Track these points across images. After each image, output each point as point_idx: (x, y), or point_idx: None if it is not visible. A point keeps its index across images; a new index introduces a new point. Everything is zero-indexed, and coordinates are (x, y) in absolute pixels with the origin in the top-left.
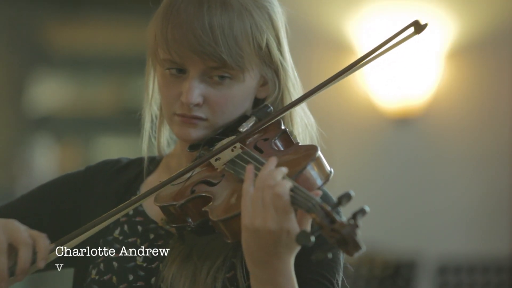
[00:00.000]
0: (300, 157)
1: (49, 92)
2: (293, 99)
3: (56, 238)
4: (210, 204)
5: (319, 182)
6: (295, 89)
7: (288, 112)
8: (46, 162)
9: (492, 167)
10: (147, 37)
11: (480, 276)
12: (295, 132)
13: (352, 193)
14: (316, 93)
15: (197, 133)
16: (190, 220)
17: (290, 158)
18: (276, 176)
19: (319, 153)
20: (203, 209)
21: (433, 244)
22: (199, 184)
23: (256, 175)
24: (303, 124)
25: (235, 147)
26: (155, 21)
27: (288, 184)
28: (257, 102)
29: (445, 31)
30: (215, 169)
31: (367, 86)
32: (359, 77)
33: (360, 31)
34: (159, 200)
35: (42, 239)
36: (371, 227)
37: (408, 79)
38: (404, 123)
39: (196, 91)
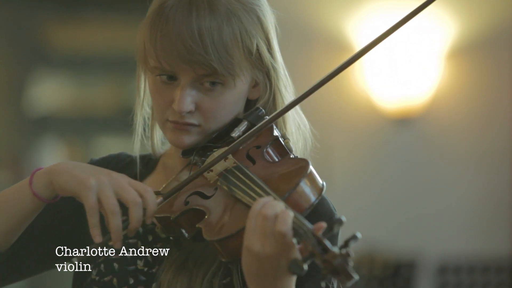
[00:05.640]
0: (291, 172)
1: (49, 92)
2: (285, 100)
3: (69, 233)
4: (204, 219)
5: (313, 199)
6: (287, 89)
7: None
8: (46, 162)
9: (492, 167)
10: (136, 43)
11: (480, 276)
12: (288, 132)
13: (344, 218)
14: (311, 93)
15: (190, 139)
16: (184, 231)
17: (282, 172)
18: (276, 206)
19: (311, 167)
20: (196, 226)
21: (433, 244)
22: (193, 196)
23: (251, 197)
24: (296, 125)
25: (227, 157)
26: (143, 28)
27: (291, 213)
28: (249, 103)
29: (445, 31)
30: (208, 180)
31: (367, 86)
32: (359, 77)
33: (360, 31)
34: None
35: (150, 195)
36: (371, 227)
37: (408, 79)
38: (404, 123)
39: (188, 99)
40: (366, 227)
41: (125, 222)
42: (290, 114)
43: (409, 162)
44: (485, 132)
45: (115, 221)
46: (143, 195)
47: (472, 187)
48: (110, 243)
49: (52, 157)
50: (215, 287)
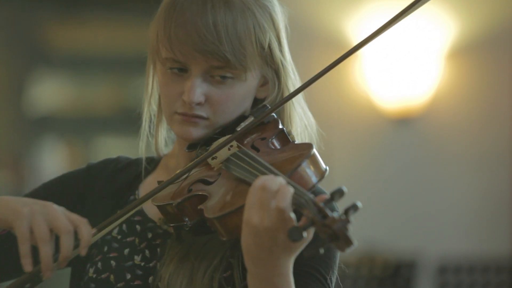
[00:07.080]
0: (295, 154)
1: (49, 92)
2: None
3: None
4: (206, 201)
5: (314, 179)
6: (295, 89)
7: (288, 112)
8: (46, 162)
9: (492, 167)
10: (149, 35)
11: (480, 276)
12: (294, 132)
13: (345, 188)
14: (312, 83)
15: (197, 132)
16: (187, 219)
17: (286, 156)
18: (277, 181)
19: (314, 150)
20: (198, 207)
21: (433, 244)
22: (196, 183)
23: (253, 174)
24: (302, 125)
25: (231, 145)
26: (157, 20)
27: (291, 190)
28: (257, 102)
29: (445, 31)
30: (212, 168)
31: (367, 86)
32: (359, 77)
33: (360, 31)
34: (157, 200)
35: (84, 225)
36: (371, 227)
37: (408, 79)
38: (404, 123)
39: (198, 90)
40: (366, 227)
41: (58, 253)
42: (297, 114)
43: (409, 162)
44: (485, 132)
45: (45, 249)
46: (78, 226)
47: (472, 187)
48: (41, 274)
49: (52, 157)
50: (216, 281)
